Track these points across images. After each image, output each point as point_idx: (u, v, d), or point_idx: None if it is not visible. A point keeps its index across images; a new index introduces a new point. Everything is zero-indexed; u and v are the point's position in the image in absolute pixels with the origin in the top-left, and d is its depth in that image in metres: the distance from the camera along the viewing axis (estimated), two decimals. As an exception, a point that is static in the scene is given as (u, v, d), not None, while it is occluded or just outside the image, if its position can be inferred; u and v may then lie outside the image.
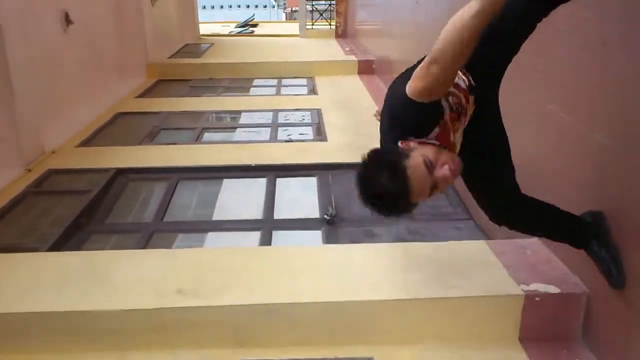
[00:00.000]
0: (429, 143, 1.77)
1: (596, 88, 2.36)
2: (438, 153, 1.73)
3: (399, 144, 1.78)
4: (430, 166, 1.70)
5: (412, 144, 1.76)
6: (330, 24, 13.92)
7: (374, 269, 2.72)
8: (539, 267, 2.65)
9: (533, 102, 2.89)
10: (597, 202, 2.32)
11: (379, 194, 1.71)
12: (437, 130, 1.79)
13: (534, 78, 2.92)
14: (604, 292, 2.32)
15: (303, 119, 6.22)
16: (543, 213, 2.28)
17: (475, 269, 2.66)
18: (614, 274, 2.20)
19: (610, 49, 2.26)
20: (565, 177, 2.59)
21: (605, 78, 2.30)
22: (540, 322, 2.52)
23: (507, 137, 2.15)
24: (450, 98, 1.82)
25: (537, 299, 2.48)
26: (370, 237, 3.42)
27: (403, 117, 1.78)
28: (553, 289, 2.48)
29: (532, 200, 2.25)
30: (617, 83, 2.22)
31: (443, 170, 1.71)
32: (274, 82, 8.25)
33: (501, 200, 2.19)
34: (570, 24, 2.52)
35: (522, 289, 2.50)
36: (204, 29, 14.19)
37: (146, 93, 7.51)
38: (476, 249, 2.86)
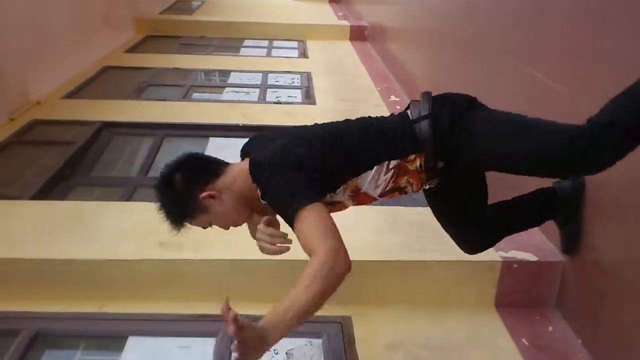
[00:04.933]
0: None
1: (588, 56, 2.37)
2: (225, 218, 1.74)
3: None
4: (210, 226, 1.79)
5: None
6: (324, -12, 13.71)
7: (354, 232, 2.74)
8: (517, 234, 2.68)
9: (520, 70, 2.90)
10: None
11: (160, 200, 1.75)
12: None
13: (523, 47, 2.92)
14: (578, 261, 2.37)
15: (293, 82, 6.18)
16: (513, 221, 2.16)
17: (455, 234, 2.69)
18: (571, 240, 2.30)
19: (605, 20, 2.27)
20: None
21: (599, 47, 2.30)
22: (517, 288, 2.58)
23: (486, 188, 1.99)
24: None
25: (514, 265, 2.52)
26: (353, 201, 3.43)
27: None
28: (530, 257, 2.53)
29: (500, 215, 2.11)
30: (609, 52, 2.22)
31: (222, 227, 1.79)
32: (265, 43, 8.15)
33: (474, 236, 2.08)
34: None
35: (500, 256, 2.54)
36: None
37: (135, 48, 7.40)
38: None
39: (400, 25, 6.24)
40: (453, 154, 1.70)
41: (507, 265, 2.52)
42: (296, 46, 8.06)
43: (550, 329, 2.45)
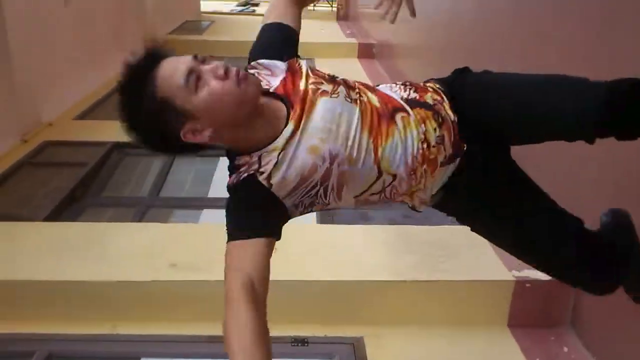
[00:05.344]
0: None
1: (588, 56, 2.35)
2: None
3: None
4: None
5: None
6: (332, 6, 13.82)
7: (366, 251, 2.74)
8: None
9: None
10: (614, 198, 2.21)
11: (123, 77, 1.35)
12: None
13: (529, 59, 2.92)
14: (593, 280, 2.34)
15: (301, 100, 6.19)
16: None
17: (466, 253, 2.68)
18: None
19: (605, 20, 2.26)
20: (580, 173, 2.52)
21: (599, 47, 2.30)
22: (530, 308, 2.55)
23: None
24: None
25: (527, 285, 2.50)
26: (364, 220, 3.43)
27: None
28: (543, 276, 2.49)
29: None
30: (609, 52, 2.21)
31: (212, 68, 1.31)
32: (274, 62, 8.19)
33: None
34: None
35: (513, 275, 2.52)
36: (204, 5, 14.08)
37: (145, 68, 7.46)
38: (468, 233, 2.81)
39: (408, 43, 6.27)
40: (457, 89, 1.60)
41: (520, 284, 2.50)
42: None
43: (566, 349, 2.42)
